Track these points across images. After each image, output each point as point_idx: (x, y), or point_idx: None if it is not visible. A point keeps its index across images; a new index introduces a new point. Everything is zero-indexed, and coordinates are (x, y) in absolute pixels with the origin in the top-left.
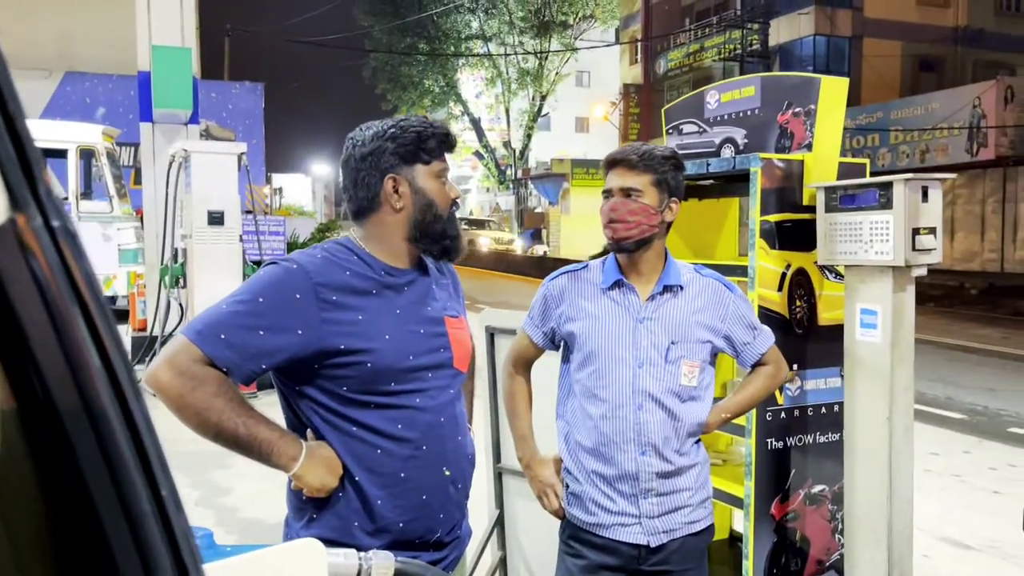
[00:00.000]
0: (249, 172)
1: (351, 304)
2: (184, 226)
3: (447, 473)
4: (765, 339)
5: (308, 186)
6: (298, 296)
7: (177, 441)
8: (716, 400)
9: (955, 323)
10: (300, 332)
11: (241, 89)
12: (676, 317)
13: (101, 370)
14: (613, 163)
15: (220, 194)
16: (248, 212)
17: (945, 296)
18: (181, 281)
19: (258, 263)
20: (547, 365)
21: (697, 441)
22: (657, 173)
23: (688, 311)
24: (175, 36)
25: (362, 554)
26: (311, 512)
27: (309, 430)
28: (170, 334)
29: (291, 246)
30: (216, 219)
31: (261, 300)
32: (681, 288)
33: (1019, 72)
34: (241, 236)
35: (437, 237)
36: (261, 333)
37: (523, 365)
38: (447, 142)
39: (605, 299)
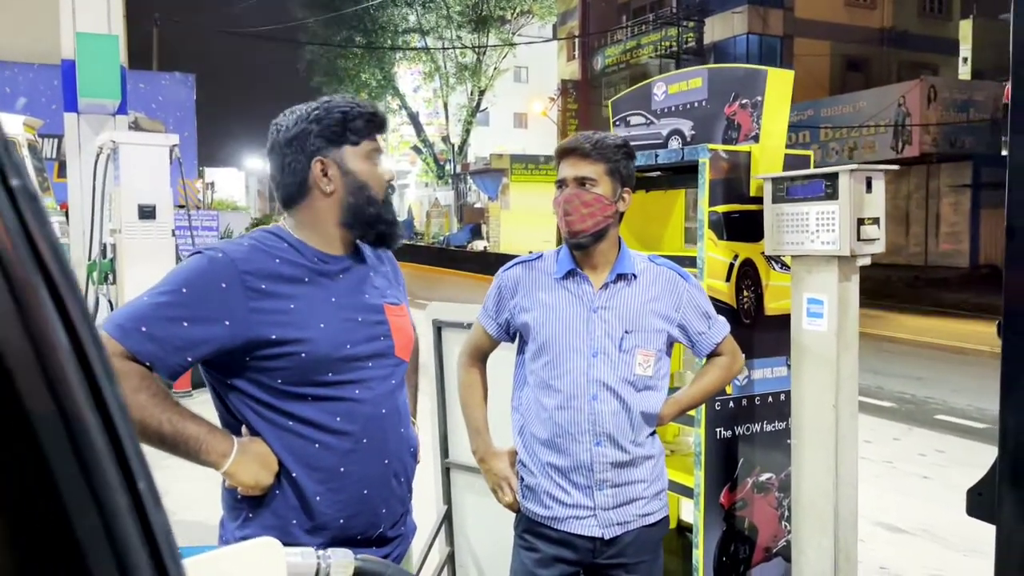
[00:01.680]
0: (182, 165)
1: (282, 292)
2: (113, 220)
3: (389, 466)
4: (720, 329)
5: (241, 181)
6: (224, 285)
7: None
8: (671, 391)
9: (883, 315)
10: (227, 323)
11: (171, 80)
12: (630, 306)
13: (69, 349)
14: (566, 152)
15: (151, 187)
16: (180, 207)
17: (873, 289)
18: (110, 277)
19: None
20: (501, 358)
21: (653, 433)
22: (610, 162)
23: (642, 300)
24: (101, 23)
25: (321, 552)
26: (246, 511)
27: (243, 426)
28: None
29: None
30: (147, 213)
31: (185, 291)
32: (635, 277)
33: (941, 72)
34: (174, 231)
35: (372, 221)
36: (185, 325)
37: (478, 357)
38: (375, 121)
39: (559, 289)
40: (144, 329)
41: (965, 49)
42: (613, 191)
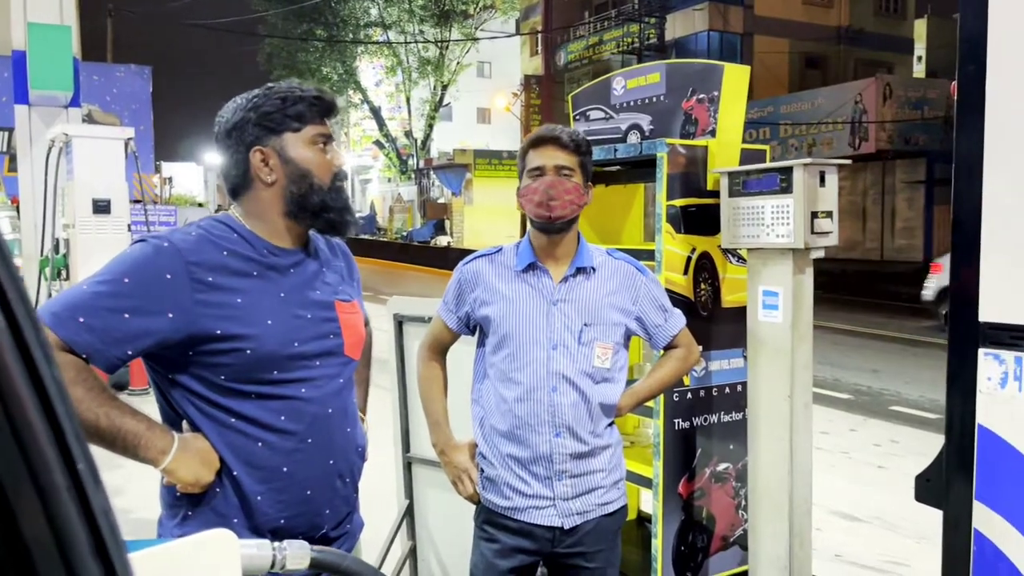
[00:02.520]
0: (138, 159)
1: (229, 285)
2: (66, 215)
3: (334, 466)
4: (676, 322)
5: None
6: (168, 276)
7: None
8: (630, 383)
9: (839, 309)
10: (171, 315)
11: (127, 72)
12: (589, 299)
13: (4, 327)
14: (544, 141)
15: (106, 181)
16: (136, 201)
17: (829, 283)
18: (63, 273)
19: None
20: (461, 352)
21: (611, 423)
22: (582, 155)
23: (601, 293)
24: (53, 14)
25: (276, 544)
26: (185, 509)
27: (184, 422)
28: None
29: None
30: (102, 208)
31: (126, 280)
32: (593, 270)
33: (896, 70)
34: (129, 226)
35: (317, 210)
36: (126, 316)
37: (438, 351)
38: (320, 105)
39: (519, 282)
40: (82, 319)
41: (919, 48)
42: (584, 184)
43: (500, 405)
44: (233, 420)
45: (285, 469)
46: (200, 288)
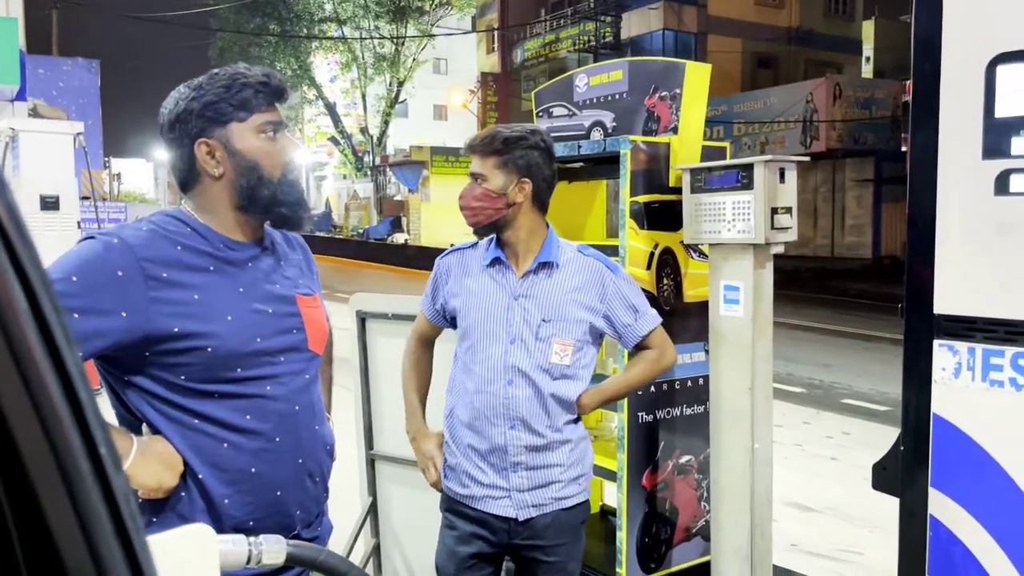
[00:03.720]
0: (88, 154)
1: (185, 281)
2: None
3: (303, 465)
4: (648, 323)
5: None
6: (120, 274)
7: None
8: (598, 379)
9: (792, 304)
10: (124, 314)
11: (74, 66)
12: (551, 295)
13: (27, 310)
14: (467, 149)
15: (54, 177)
16: (85, 198)
17: (782, 279)
18: None
19: None
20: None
21: (575, 419)
22: (502, 155)
23: (564, 290)
24: None
25: (252, 539)
26: (148, 516)
27: (144, 424)
28: None
29: None
30: (50, 204)
31: (75, 279)
32: (557, 266)
33: (846, 71)
34: (79, 223)
35: (268, 204)
36: (76, 316)
37: (423, 341)
38: (267, 89)
39: (485, 276)
40: None
41: (868, 49)
42: (505, 183)
43: (463, 396)
44: (196, 421)
45: (253, 470)
46: (154, 285)
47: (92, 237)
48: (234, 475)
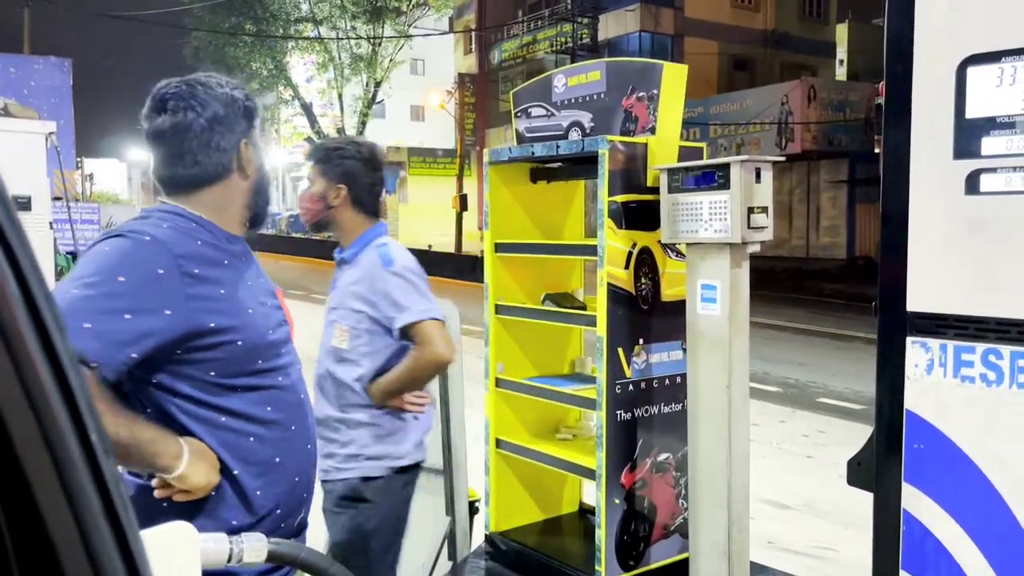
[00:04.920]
0: (60, 154)
1: (211, 277)
2: None
3: (311, 452)
4: (408, 316)
5: (123, 172)
6: (161, 271)
7: None
8: (573, 376)
9: (768, 304)
10: (168, 312)
11: (45, 65)
12: (341, 286)
13: (19, 296)
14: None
15: (25, 177)
16: (58, 199)
17: (758, 280)
18: None
19: (73, 254)
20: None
21: (361, 405)
22: (322, 163)
23: (348, 281)
24: None
25: (233, 537)
26: (182, 519)
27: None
28: None
29: None
30: (22, 205)
31: (122, 279)
32: (348, 261)
33: (820, 73)
34: (51, 224)
35: (265, 201)
36: (127, 317)
37: None
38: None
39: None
40: (86, 325)
41: (841, 51)
42: (325, 188)
43: None
44: (224, 419)
45: (277, 459)
46: (189, 282)
47: (120, 235)
48: (262, 467)
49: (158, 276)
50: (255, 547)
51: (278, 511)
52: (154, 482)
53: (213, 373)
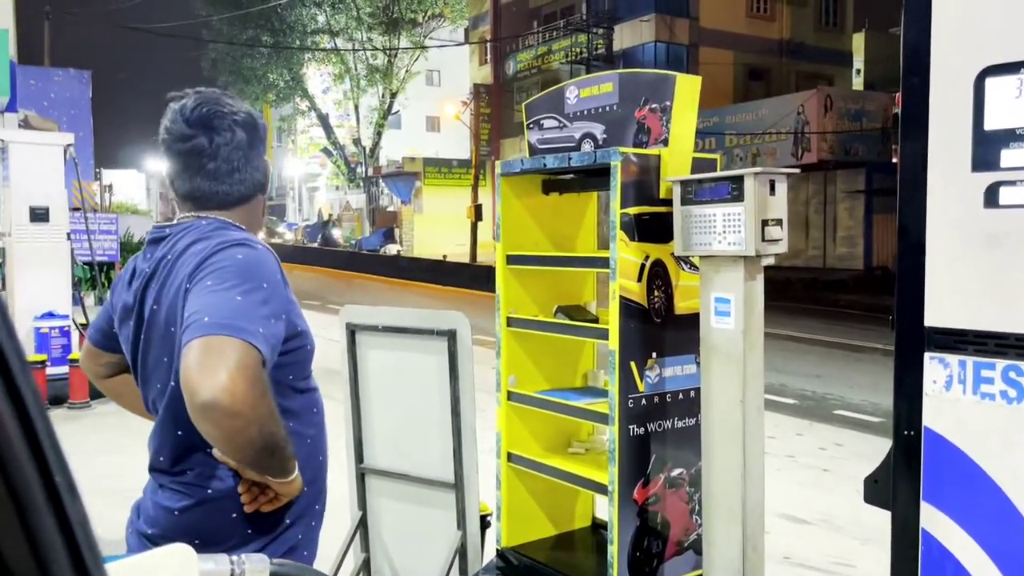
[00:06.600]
0: (77, 165)
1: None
2: (1, 223)
3: (329, 451)
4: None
5: (142, 182)
6: (278, 277)
7: None
8: (584, 389)
9: (784, 315)
10: (284, 316)
11: (65, 77)
12: None
13: None
14: None
15: (44, 189)
16: (76, 209)
17: (774, 290)
18: None
19: (89, 264)
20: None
21: None
22: None
23: None
24: None
25: (234, 558)
26: (281, 528)
27: None
28: None
29: (124, 246)
30: (40, 216)
31: (265, 286)
32: None
33: (836, 83)
34: (69, 234)
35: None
36: (273, 322)
37: None
38: None
39: None
40: (261, 330)
41: (858, 61)
42: None
43: None
44: (292, 423)
45: (320, 458)
46: (286, 287)
47: (246, 245)
48: (315, 469)
49: (278, 282)
50: (256, 568)
51: (317, 507)
52: (244, 496)
53: (292, 376)
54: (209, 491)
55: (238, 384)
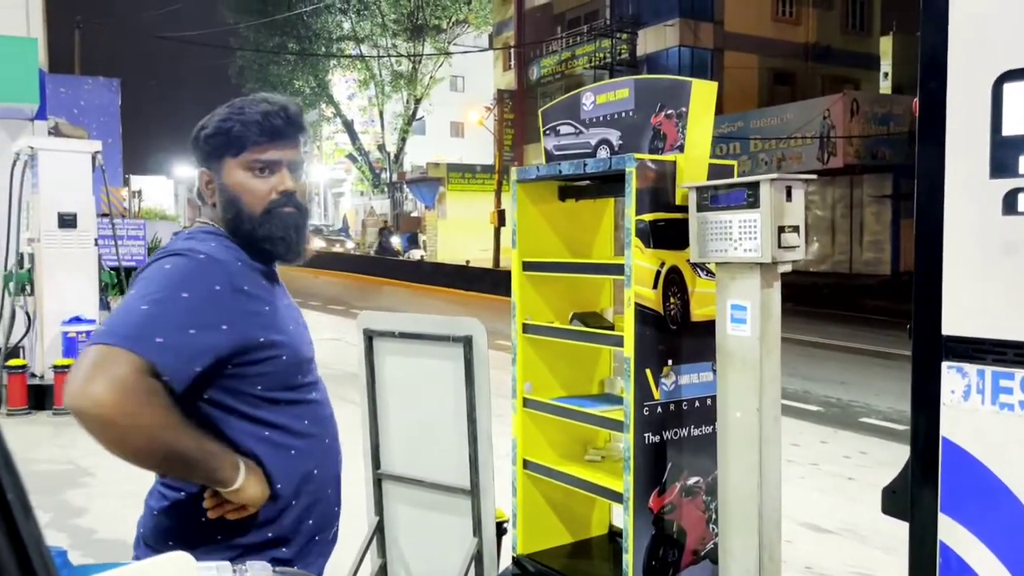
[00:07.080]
0: (105, 172)
1: (256, 293)
2: (31, 229)
3: (339, 465)
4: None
5: (170, 189)
6: (217, 288)
7: (29, 461)
8: (601, 396)
9: (809, 321)
10: (224, 327)
11: (95, 84)
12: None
13: None
14: None
15: (72, 195)
16: (104, 215)
17: (799, 295)
18: (28, 288)
19: (116, 269)
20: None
21: None
22: None
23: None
24: (19, 25)
25: (238, 567)
26: (237, 539)
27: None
28: (16, 345)
29: (152, 251)
30: (68, 222)
31: (185, 295)
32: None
33: (863, 86)
34: (96, 240)
35: (247, 239)
36: (191, 332)
37: None
38: (261, 128)
39: None
40: (159, 339)
41: (885, 64)
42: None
43: None
44: (267, 432)
45: (315, 472)
46: (242, 298)
47: (178, 254)
48: (301, 482)
49: (216, 292)
50: None
51: (310, 522)
52: (206, 503)
53: (260, 387)
54: (182, 493)
55: (105, 393)
